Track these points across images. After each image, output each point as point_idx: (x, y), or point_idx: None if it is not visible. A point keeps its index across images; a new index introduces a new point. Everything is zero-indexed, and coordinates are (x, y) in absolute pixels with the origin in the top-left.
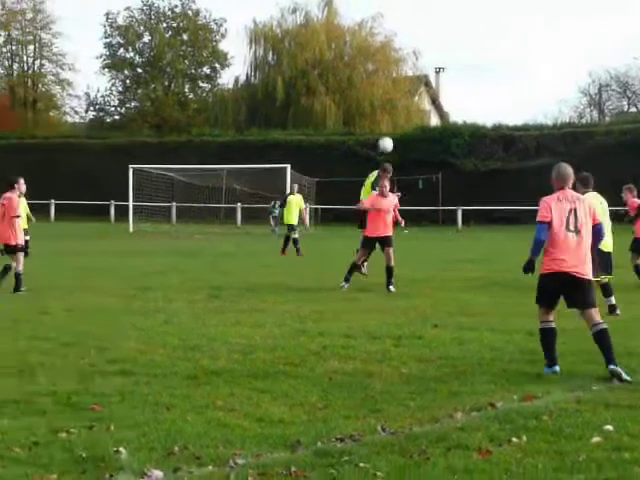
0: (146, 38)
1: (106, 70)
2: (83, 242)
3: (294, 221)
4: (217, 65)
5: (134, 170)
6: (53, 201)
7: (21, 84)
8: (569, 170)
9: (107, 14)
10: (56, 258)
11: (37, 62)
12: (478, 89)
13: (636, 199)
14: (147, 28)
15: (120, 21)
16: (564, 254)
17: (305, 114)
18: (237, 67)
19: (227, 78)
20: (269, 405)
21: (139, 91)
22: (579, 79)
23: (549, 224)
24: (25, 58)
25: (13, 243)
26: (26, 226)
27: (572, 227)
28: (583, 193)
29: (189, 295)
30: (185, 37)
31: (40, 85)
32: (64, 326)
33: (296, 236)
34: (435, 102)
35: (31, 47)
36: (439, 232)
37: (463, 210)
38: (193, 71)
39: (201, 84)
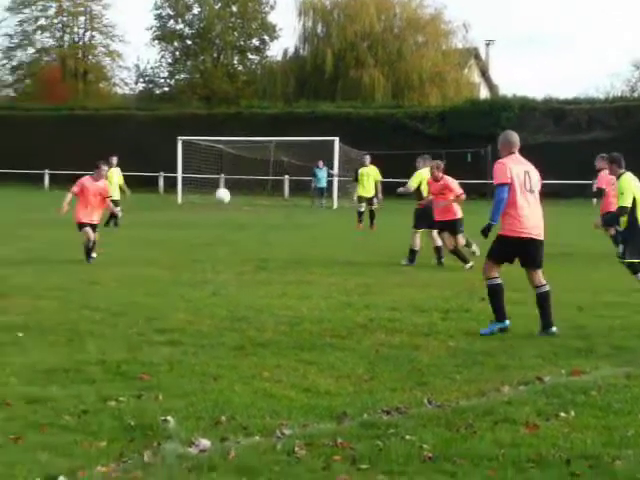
0: (196, 10)
1: (156, 42)
2: (132, 214)
3: (368, 194)
4: (266, 37)
5: (183, 142)
6: None
7: (72, 56)
8: (516, 136)
9: None
10: (105, 230)
11: (88, 34)
12: (528, 62)
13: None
14: (197, 0)
15: None
16: (526, 214)
17: (354, 86)
18: (286, 39)
19: (276, 50)
20: (315, 376)
21: (188, 63)
22: (632, 52)
23: (510, 185)
24: (76, 29)
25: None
26: (118, 198)
27: (528, 187)
28: (619, 175)
29: (237, 267)
30: (234, 9)
31: (90, 57)
32: (114, 296)
33: (362, 210)
34: (485, 75)
35: (82, 18)
36: (488, 205)
37: None
38: (242, 43)
39: (250, 56)
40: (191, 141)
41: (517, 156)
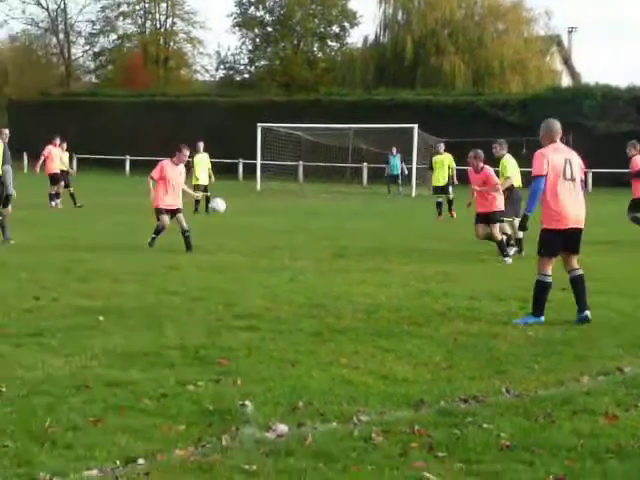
0: None
1: (236, 29)
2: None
3: (441, 182)
4: (346, 24)
5: (262, 129)
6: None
7: (153, 42)
8: (558, 125)
9: None
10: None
11: (169, 20)
12: (611, 49)
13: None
14: None
15: None
16: (566, 205)
17: (434, 74)
18: (366, 26)
19: (356, 37)
20: (393, 364)
21: (268, 50)
22: None
23: (546, 177)
24: (157, 16)
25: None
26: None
27: (569, 176)
28: None
29: (315, 254)
30: None
31: (172, 43)
32: (193, 281)
33: (440, 201)
34: (567, 62)
35: (163, 5)
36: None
37: (593, 173)
38: (322, 30)
39: (330, 43)
40: (270, 128)
41: (558, 145)
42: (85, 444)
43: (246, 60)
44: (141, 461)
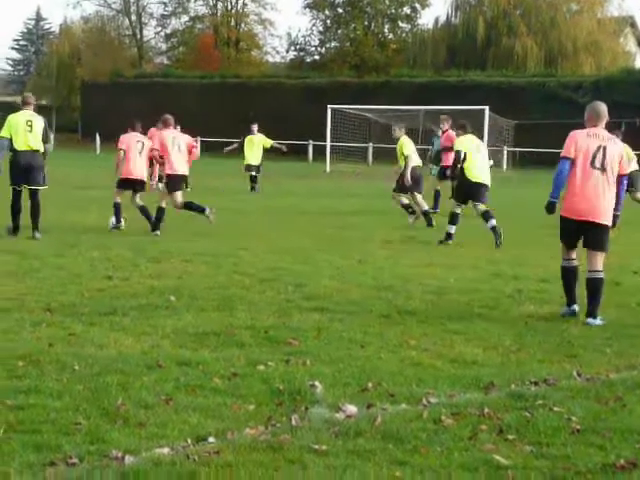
0: None
1: (307, 10)
2: (282, 182)
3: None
4: (417, 5)
5: (332, 110)
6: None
7: (225, 24)
8: (604, 108)
9: None
10: (256, 198)
11: (240, 2)
12: None
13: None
14: None
15: None
16: (583, 194)
17: (505, 55)
18: (437, 7)
19: (427, 18)
20: (462, 346)
21: (339, 31)
22: None
23: (573, 160)
24: None
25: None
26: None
27: (599, 164)
28: None
29: (383, 235)
30: None
31: (243, 25)
32: (263, 262)
33: None
34: None
35: None
36: None
37: None
38: (393, 11)
39: (401, 24)
40: (340, 110)
41: (598, 130)
42: (156, 422)
43: (316, 42)
44: (212, 439)
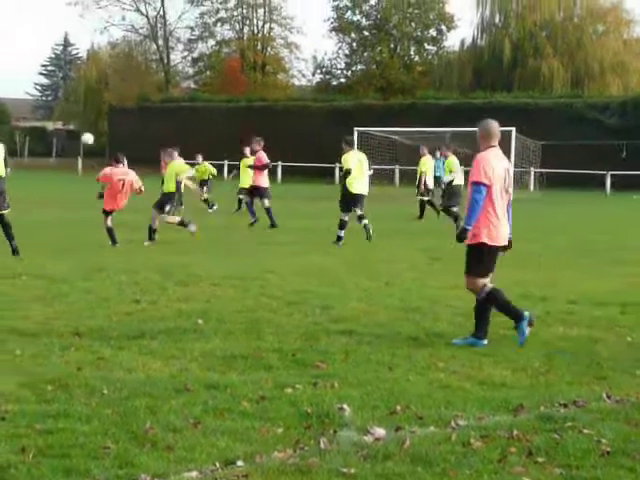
0: (373, 1)
1: (333, 33)
2: (309, 204)
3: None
4: (443, 27)
5: (359, 133)
6: (280, 163)
7: (251, 47)
8: (497, 126)
9: None
10: (284, 220)
11: (266, 26)
12: None
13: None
14: None
15: None
16: (502, 219)
17: (532, 76)
18: (463, 29)
19: (453, 40)
20: (491, 368)
21: (365, 54)
22: None
23: (489, 187)
24: (255, 22)
25: None
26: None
27: (506, 186)
28: None
29: (410, 257)
30: None
31: (269, 48)
32: (289, 285)
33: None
34: None
35: (261, 11)
36: None
37: None
38: (419, 33)
39: (427, 46)
40: (367, 132)
41: (498, 150)
42: (185, 446)
43: (342, 65)
44: (240, 463)
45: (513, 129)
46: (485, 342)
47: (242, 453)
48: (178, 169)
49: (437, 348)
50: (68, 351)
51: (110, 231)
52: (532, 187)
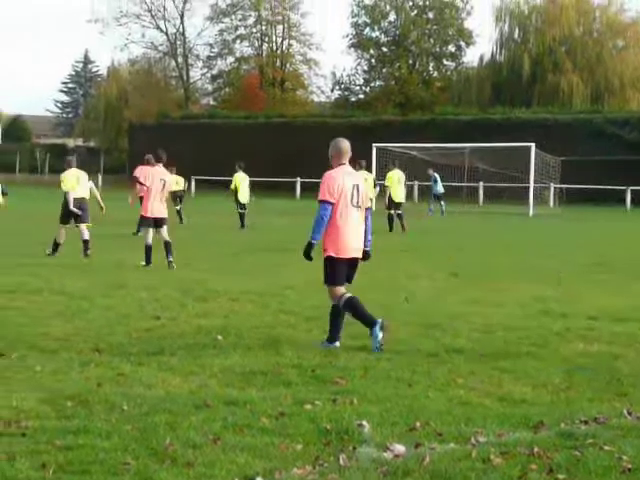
0: (392, 17)
1: (352, 50)
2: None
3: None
4: (462, 43)
5: (377, 148)
6: (299, 179)
7: (270, 64)
8: (348, 145)
9: None
10: (300, 236)
11: (285, 42)
12: None
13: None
14: (393, 7)
15: (367, 0)
16: (349, 234)
17: (551, 92)
18: (482, 45)
19: (472, 56)
20: (511, 385)
21: (384, 70)
22: None
23: (334, 204)
24: (274, 38)
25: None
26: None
27: (355, 202)
28: None
29: (429, 273)
30: (431, 15)
31: (288, 65)
32: (308, 301)
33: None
34: None
35: (280, 27)
36: None
37: None
38: (438, 49)
39: (445, 62)
40: (385, 148)
41: (347, 168)
42: (204, 462)
43: (361, 81)
44: (259, 479)
45: (532, 145)
46: (337, 344)
47: (261, 469)
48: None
49: (457, 364)
50: (88, 367)
51: (149, 250)
52: (552, 203)
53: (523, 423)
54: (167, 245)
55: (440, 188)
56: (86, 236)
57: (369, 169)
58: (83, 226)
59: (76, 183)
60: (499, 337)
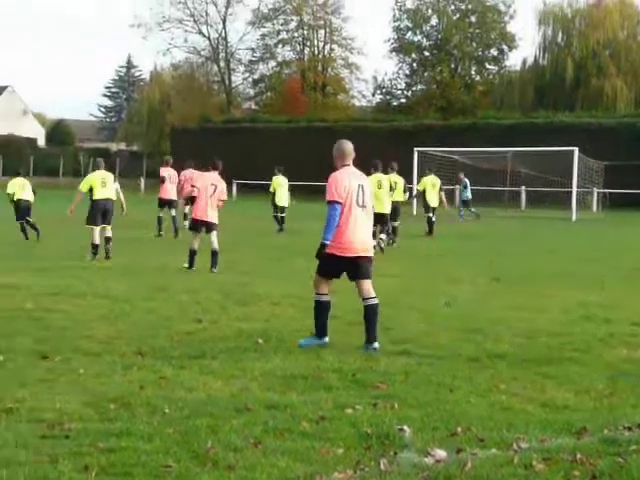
0: (434, 21)
1: (393, 54)
2: None
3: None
4: (505, 47)
5: (419, 153)
6: None
7: (312, 68)
8: (351, 146)
9: None
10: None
11: (327, 46)
12: None
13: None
14: (435, 11)
15: (409, 4)
16: (353, 233)
17: (595, 96)
18: (524, 49)
19: (514, 60)
20: (554, 391)
21: (425, 74)
22: None
23: (342, 203)
24: (316, 42)
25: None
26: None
27: (361, 202)
28: None
29: (471, 278)
30: (473, 19)
31: (329, 69)
32: (349, 304)
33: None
34: None
35: (322, 32)
36: None
37: None
38: (480, 53)
39: (488, 66)
40: (426, 152)
41: (352, 168)
42: (245, 466)
43: (403, 85)
44: None
45: (576, 149)
46: (326, 340)
47: (302, 473)
48: None
49: (498, 370)
50: (131, 370)
51: (193, 254)
52: (595, 208)
53: (566, 429)
54: (214, 255)
55: (469, 194)
56: (109, 233)
57: (409, 173)
58: (109, 227)
59: (99, 185)
60: (542, 342)
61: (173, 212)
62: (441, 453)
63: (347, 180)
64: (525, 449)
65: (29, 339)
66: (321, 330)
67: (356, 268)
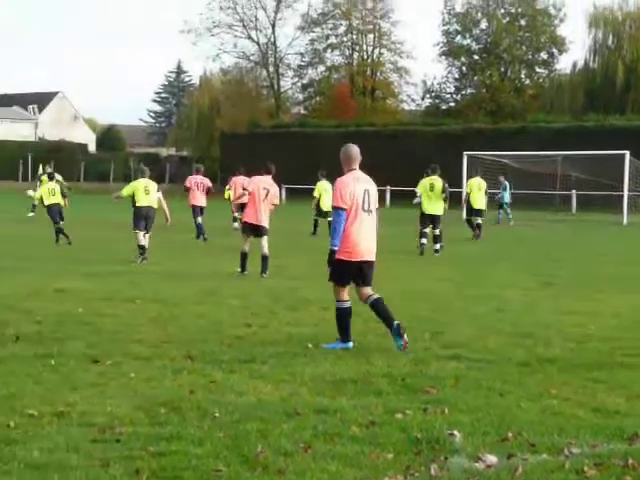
0: (483, 24)
1: (443, 58)
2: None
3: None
4: (555, 50)
5: (468, 156)
6: (388, 187)
7: (361, 73)
8: (357, 150)
9: (446, 1)
10: (395, 244)
11: (376, 51)
12: None
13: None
14: (485, 15)
15: (458, 8)
16: (359, 238)
17: None
18: (574, 52)
19: (564, 63)
20: (605, 396)
21: (475, 78)
22: None
23: (347, 209)
24: (365, 47)
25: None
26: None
27: (367, 207)
28: None
29: (521, 282)
30: (523, 22)
31: (379, 73)
32: (398, 310)
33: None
34: None
35: (370, 36)
36: None
37: None
38: (530, 57)
39: (538, 70)
40: (476, 156)
41: (358, 173)
42: (296, 470)
43: (452, 88)
44: None
45: (627, 152)
46: (350, 344)
47: (352, 478)
48: None
49: (549, 374)
50: (181, 374)
51: (244, 257)
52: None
53: (617, 434)
54: (264, 260)
55: (507, 197)
56: (143, 242)
57: (458, 177)
58: (147, 235)
59: (142, 192)
60: (593, 347)
61: (199, 219)
62: (492, 458)
63: (352, 185)
64: (576, 454)
65: (80, 343)
66: (345, 335)
67: (364, 275)
